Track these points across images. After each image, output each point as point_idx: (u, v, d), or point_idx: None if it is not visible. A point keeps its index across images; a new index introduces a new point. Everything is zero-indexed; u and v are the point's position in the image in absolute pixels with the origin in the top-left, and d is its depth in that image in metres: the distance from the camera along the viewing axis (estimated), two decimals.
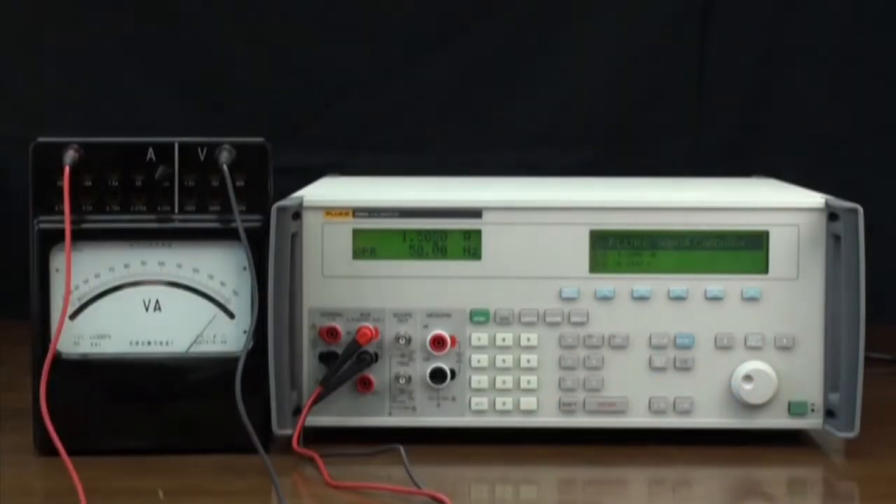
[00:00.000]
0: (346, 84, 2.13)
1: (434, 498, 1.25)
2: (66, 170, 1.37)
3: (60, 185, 1.38)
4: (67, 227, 1.37)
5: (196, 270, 1.41)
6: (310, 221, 1.42)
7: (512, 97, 2.13)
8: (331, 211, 1.43)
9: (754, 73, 2.13)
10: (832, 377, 1.41)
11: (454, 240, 1.43)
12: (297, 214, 1.41)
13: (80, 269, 1.39)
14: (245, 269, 1.40)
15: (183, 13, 2.12)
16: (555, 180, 1.68)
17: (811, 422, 1.43)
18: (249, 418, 1.33)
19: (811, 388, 1.42)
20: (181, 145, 1.41)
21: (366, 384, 1.43)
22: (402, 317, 1.43)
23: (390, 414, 1.43)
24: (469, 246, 1.43)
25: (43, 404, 1.34)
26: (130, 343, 1.41)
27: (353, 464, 1.34)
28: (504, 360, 1.43)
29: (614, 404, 1.43)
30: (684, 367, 1.43)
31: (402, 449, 1.31)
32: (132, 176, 1.40)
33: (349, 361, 1.42)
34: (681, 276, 1.43)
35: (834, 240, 1.40)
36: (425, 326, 1.43)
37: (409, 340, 1.43)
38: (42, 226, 1.39)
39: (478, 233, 1.43)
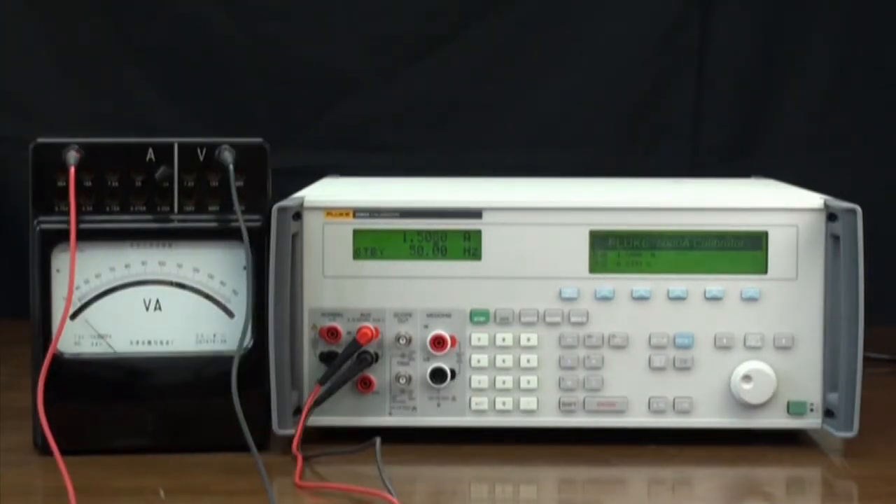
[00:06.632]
0: (346, 84, 2.13)
1: (385, 499, 1.24)
2: (72, 171, 1.37)
3: (61, 186, 1.38)
4: (73, 227, 1.36)
5: (196, 270, 1.41)
6: (310, 222, 1.42)
7: (512, 97, 2.13)
8: (331, 211, 1.43)
9: (754, 73, 2.13)
10: (831, 377, 1.42)
11: (454, 240, 1.43)
12: (297, 215, 1.41)
13: (80, 269, 1.39)
14: (245, 268, 1.40)
15: (183, 13, 2.12)
16: (555, 180, 1.68)
17: (810, 422, 1.43)
18: (250, 418, 1.33)
19: (810, 387, 1.43)
20: (181, 145, 1.41)
21: (366, 384, 1.43)
22: (403, 317, 1.43)
23: (390, 414, 1.44)
24: (469, 246, 1.43)
25: (40, 404, 1.33)
26: (131, 343, 1.41)
27: (353, 463, 1.34)
28: (504, 360, 1.43)
29: (614, 404, 1.43)
30: (684, 367, 1.43)
31: (377, 442, 1.30)
32: (132, 176, 1.40)
33: (349, 361, 1.42)
34: (680, 276, 1.43)
35: (833, 240, 1.41)
36: (425, 326, 1.43)
37: (409, 340, 1.43)
38: (42, 226, 1.39)
39: (478, 233, 1.43)
